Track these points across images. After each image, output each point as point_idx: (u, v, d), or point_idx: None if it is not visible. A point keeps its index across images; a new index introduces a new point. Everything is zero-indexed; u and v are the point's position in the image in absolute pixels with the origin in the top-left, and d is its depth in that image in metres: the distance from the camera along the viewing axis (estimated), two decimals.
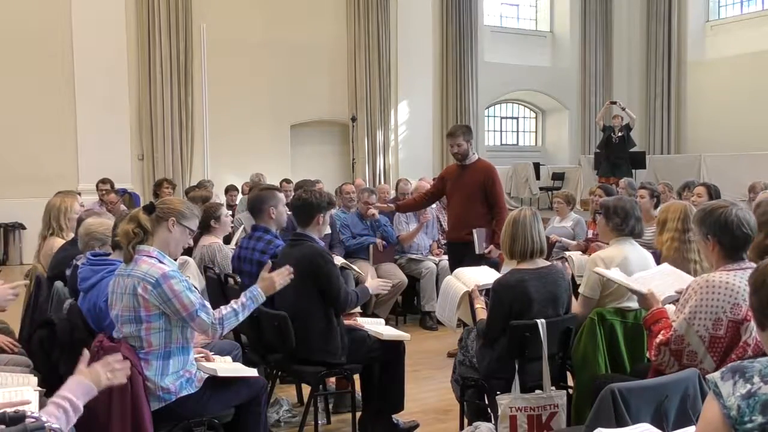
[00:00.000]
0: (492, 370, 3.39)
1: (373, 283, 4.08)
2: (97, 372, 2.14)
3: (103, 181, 8.88)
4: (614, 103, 12.79)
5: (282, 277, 3.17)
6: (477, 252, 5.30)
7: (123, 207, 7.59)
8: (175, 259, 3.05)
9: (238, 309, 2.99)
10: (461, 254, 5.38)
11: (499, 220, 5.17)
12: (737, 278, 2.67)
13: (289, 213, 4.37)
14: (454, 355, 5.02)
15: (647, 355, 2.96)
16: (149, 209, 2.94)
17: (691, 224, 3.25)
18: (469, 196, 5.43)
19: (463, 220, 5.45)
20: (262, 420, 3.16)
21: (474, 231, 5.32)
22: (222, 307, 2.98)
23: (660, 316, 2.86)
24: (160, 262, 2.86)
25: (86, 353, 2.23)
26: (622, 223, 3.63)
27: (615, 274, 3.24)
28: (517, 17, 16.71)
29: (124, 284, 2.84)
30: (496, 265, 5.58)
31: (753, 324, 2.55)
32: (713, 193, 6.06)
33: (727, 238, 2.71)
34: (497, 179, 5.49)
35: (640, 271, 3.38)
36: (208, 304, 2.93)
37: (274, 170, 10.98)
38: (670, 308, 3.00)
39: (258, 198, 4.41)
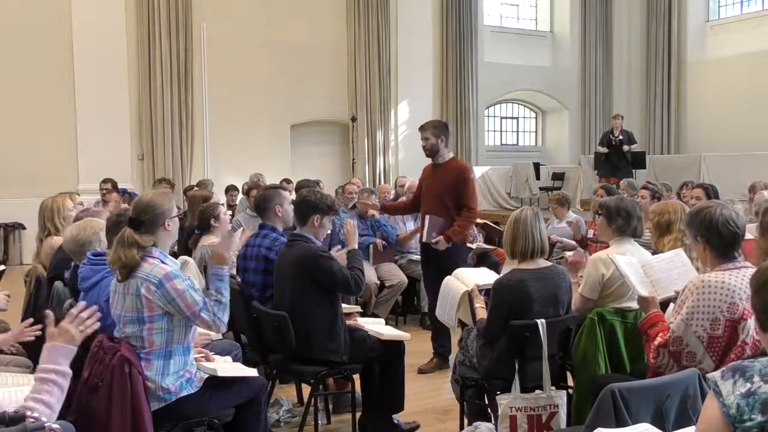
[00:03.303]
0: (492, 370, 3.39)
1: (350, 239, 3.97)
2: (67, 330, 2.12)
3: (105, 180, 8.91)
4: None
5: (225, 244, 3.08)
6: (424, 239, 5.13)
7: (124, 206, 7.58)
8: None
9: (217, 296, 2.92)
10: (432, 257, 5.17)
11: (465, 219, 5.05)
12: (733, 277, 2.68)
13: None
14: (424, 371, 5.13)
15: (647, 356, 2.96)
16: (136, 225, 2.86)
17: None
18: (439, 196, 5.12)
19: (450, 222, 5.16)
20: (262, 420, 3.16)
21: (427, 216, 5.12)
22: (206, 304, 2.92)
23: (656, 320, 2.87)
24: (162, 262, 2.86)
25: (50, 315, 2.20)
26: (624, 224, 3.63)
27: (626, 265, 3.17)
28: (517, 17, 16.71)
29: (126, 284, 2.84)
30: (496, 266, 5.59)
31: (750, 323, 2.57)
32: (711, 193, 6.03)
33: (715, 238, 2.74)
34: (469, 181, 5.16)
35: (656, 255, 3.37)
36: (209, 301, 2.93)
37: (274, 170, 10.98)
38: (667, 310, 3.01)
39: (264, 197, 4.42)
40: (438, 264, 5.06)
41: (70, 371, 2.09)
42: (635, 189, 7.49)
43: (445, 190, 5.10)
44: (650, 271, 3.15)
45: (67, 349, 2.10)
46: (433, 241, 5.04)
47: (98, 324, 2.24)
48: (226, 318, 2.96)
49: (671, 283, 3.10)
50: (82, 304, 2.26)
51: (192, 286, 2.86)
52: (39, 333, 3.09)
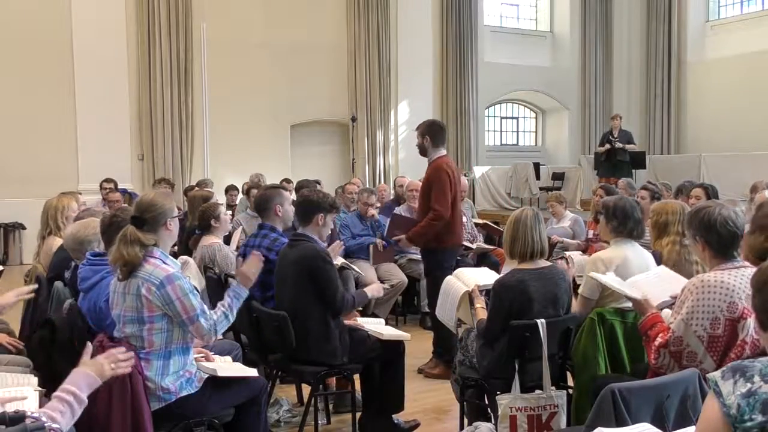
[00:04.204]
0: (492, 370, 3.39)
1: (374, 287, 4.11)
2: (101, 364, 2.13)
3: (107, 180, 8.99)
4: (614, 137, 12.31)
5: (253, 266, 3.17)
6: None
7: (124, 206, 7.59)
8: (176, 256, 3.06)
9: (227, 311, 2.99)
10: (425, 259, 5.33)
11: (427, 220, 5.03)
12: (732, 277, 2.69)
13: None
14: (426, 372, 5.07)
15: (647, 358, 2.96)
16: (139, 223, 2.87)
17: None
18: (422, 194, 5.23)
19: (416, 221, 5.30)
20: (262, 420, 3.16)
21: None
22: (211, 311, 2.97)
23: (655, 321, 2.87)
24: (164, 263, 2.86)
25: (89, 346, 2.22)
26: (619, 224, 3.64)
27: (610, 279, 3.23)
28: (517, 17, 16.70)
29: (127, 284, 2.84)
30: (496, 266, 5.59)
31: (750, 322, 2.57)
32: (711, 194, 6.02)
33: (714, 238, 2.75)
34: (438, 181, 5.03)
35: (638, 274, 3.38)
36: (207, 309, 2.93)
37: (274, 170, 10.99)
38: (666, 313, 3.00)
39: (264, 197, 4.42)
40: (425, 265, 5.30)
41: (86, 401, 2.09)
42: (634, 188, 7.52)
43: (424, 189, 5.18)
44: (641, 286, 3.15)
45: (92, 379, 2.11)
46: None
47: (129, 369, 2.25)
48: (221, 332, 2.99)
49: (663, 290, 3.11)
50: (122, 349, 2.25)
51: (191, 290, 2.87)
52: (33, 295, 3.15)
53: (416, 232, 5.11)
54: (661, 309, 3.04)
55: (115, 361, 2.15)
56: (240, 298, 3.07)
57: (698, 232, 2.80)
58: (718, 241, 2.75)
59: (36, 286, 3.24)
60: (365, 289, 4.06)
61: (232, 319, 3.02)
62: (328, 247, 4.03)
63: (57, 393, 2.06)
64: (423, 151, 5.21)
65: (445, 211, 4.98)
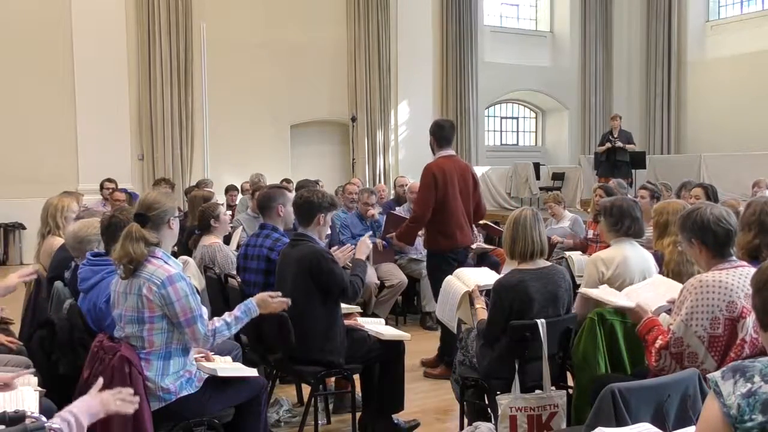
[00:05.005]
0: (492, 370, 3.39)
1: (361, 249, 4.01)
2: (108, 398, 2.15)
3: (109, 180, 9.01)
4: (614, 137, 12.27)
5: (279, 303, 3.17)
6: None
7: (125, 206, 7.59)
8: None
9: (231, 322, 2.99)
10: (427, 259, 5.42)
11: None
12: (730, 276, 2.69)
13: None
14: (426, 363, 5.10)
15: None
16: (143, 221, 2.87)
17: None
18: None
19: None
20: (262, 420, 3.16)
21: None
22: (215, 318, 2.98)
23: (653, 325, 2.87)
24: (166, 263, 2.87)
25: (101, 380, 2.23)
26: (616, 223, 3.64)
27: (602, 292, 3.26)
28: (517, 17, 16.70)
29: (129, 284, 2.84)
30: (496, 266, 5.59)
31: (749, 321, 2.57)
32: (711, 194, 6.02)
33: (710, 238, 2.75)
34: (422, 181, 5.11)
35: (631, 285, 3.38)
36: (206, 313, 2.93)
37: (274, 170, 10.98)
38: (664, 318, 3.00)
39: (267, 196, 4.42)
40: (427, 265, 5.45)
41: (85, 427, 2.11)
42: (625, 188, 7.54)
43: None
44: (635, 294, 3.15)
45: (96, 410, 2.13)
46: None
47: (132, 410, 2.24)
48: (219, 341, 2.99)
49: (658, 295, 3.11)
50: (130, 390, 2.24)
51: (192, 292, 2.87)
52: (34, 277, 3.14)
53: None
54: (659, 314, 3.04)
55: (121, 399, 2.17)
56: (249, 315, 3.06)
57: (693, 234, 2.80)
58: (715, 239, 2.75)
59: (38, 265, 3.23)
60: (356, 257, 3.96)
61: (234, 331, 3.02)
62: (332, 248, 4.02)
63: (61, 412, 2.06)
64: (433, 151, 5.25)
65: (421, 211, 5.07)
